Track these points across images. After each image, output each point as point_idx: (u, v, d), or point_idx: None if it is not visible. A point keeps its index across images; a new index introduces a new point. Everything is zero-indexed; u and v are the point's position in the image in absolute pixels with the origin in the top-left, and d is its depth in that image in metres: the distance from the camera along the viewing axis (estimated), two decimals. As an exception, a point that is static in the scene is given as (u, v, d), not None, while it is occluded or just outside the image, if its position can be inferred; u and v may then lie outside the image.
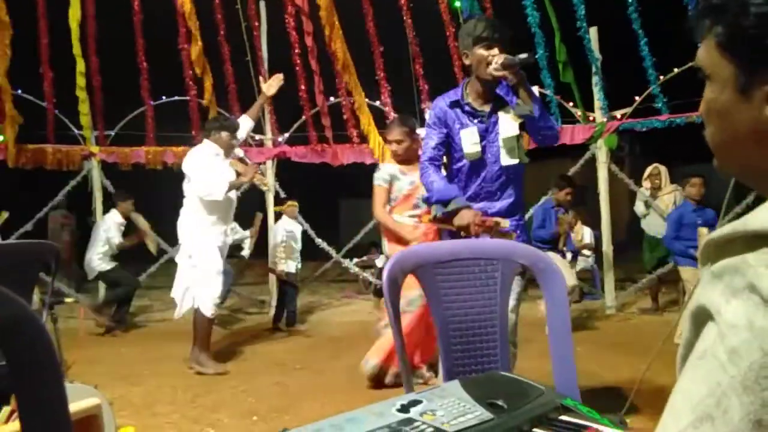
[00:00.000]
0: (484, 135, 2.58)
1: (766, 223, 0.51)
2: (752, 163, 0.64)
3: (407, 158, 3.77)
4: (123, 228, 6.00)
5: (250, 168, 4.36)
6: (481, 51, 2.50)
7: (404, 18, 6.68)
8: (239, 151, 4.50)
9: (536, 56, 6.00)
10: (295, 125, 7.13)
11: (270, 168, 6.99)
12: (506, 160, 2.57)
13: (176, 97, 7.04)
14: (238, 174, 4.22)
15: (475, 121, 2.59)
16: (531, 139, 2.75)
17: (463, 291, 1.90)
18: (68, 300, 5.42)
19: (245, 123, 4.59)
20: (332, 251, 7.46)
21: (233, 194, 4.29)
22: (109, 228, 5.88)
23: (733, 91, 0.64)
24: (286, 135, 7.16)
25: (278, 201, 6.46)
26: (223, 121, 4.55)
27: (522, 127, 2.56)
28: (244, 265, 7.74)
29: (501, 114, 2.58)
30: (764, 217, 0.52)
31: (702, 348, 0.51)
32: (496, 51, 2.46)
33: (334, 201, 18.67)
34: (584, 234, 7.13)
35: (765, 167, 0.60)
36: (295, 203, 6.17)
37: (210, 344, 4.24)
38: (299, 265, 6.04)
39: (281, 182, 7.06)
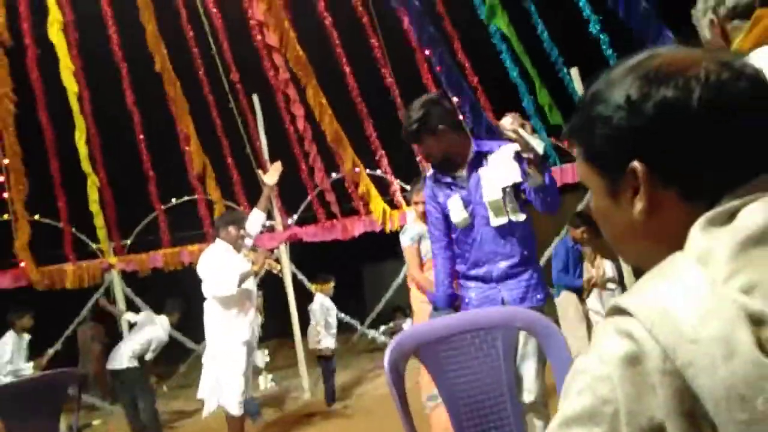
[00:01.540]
0: (468, 200, 2.56)
1: (620, 301, 0.58)
2: (642, 252, 0.70)
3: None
4: (24, 343, 5.88)
5: (260, 254, 4.44)
6: None
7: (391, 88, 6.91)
8: (249, 242, 4.60)
9: (522, 103, 6.15)
10: (302, 206, 7.28)
11: (284, 251, 7.09)
12: (495, 221, 2.53)
13: (185, 198, 7.26)
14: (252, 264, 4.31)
15: (456, 188, 2.60)
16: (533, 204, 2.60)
17: (466, 365, 1.90)
18: (95, 423, 5.38)
19: (256, 217, 4.67)
20: (356, 323, 7.45)
21: (250, 285, 4.35)
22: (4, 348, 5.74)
23: (606, 197, 0.70)
24: (295, 216, 7.31)
25: (315, 279, 6.67)
26: (228, 216, 4.68)
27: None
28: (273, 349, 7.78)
29: (482, 173, 2.55)
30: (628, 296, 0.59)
31: None
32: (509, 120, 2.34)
33: (357, 269, 18.62)
34: (606, 268, 7.03)
35: (653, 255, 0.63)
36: (332, 281, 6.36)
37: None
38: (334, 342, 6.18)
39: (298, 263, 7.15)
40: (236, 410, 4.10)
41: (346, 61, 6.77)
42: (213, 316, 4.25)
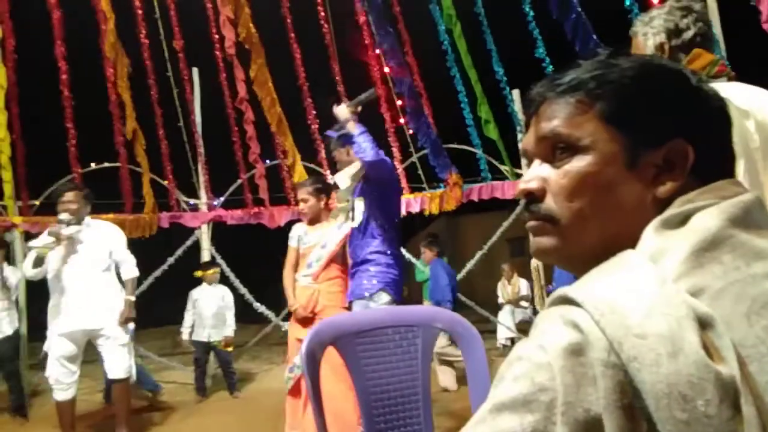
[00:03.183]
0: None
1: (569, 291, 0.56)
2: (607, 238, 0.65)
3: (314, 217, 3.78)
4: None
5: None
6: None
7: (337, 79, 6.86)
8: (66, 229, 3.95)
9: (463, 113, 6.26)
10: (231, 188, 7.08)
11: (206, 233, 6.87)
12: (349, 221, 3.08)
13: (106, 164, 6.88)
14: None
15: None
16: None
17: (384, 360, 1.89)
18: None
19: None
20: (272, 315, 7.30)
21: (50, 270, 3.91)
22: None
23: (621, 164, 0.65)
24: (222, 199, 7.10)
25: (202, 266, 6.26)
26: None
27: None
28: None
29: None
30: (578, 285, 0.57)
31: None
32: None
33: (279, 261, 18.34)
34: (521, 286, 7.28)
35: (614, 244, 0.62)
36: (217, 269, 6.05)
37: None
38: (221, 334, 5.77)
39: (221, 248, 6.94)
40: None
41: (296, 47, 6.64)
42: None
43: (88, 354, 4.20)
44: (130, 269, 4.13)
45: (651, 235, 0.60)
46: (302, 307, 3.62)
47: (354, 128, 2.86)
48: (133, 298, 4.09)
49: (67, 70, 6.23)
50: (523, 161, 6.46)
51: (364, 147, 2.84)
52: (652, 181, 0.65)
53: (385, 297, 2.88)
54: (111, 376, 4.02)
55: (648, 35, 1.74)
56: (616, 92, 0.66)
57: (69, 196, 3.92)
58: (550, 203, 0.69)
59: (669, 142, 0.64)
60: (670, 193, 0.64)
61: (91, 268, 3.94)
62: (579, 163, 0.66)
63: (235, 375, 5.85)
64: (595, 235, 0.66)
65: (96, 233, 4.04)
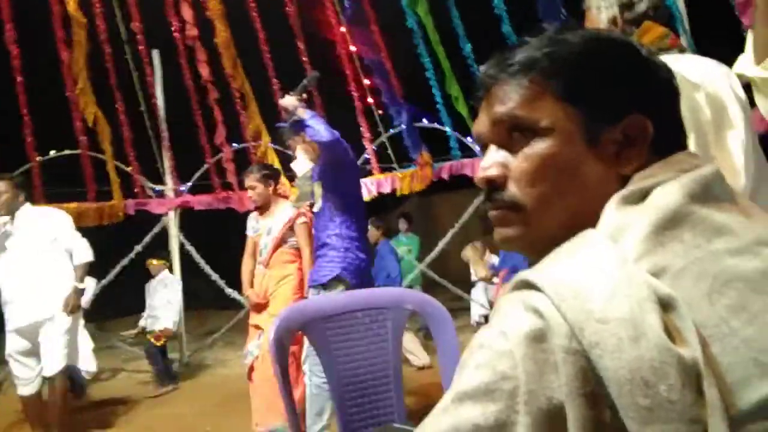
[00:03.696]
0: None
1: (529, 275, 0.56)
2: (578, 217, 0.62)
3: (263, 204, 3.76)
4: None
5: None
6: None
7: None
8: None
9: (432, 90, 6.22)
10: (198, 173, 6.94)
11: (173, 219, 6.73)
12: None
13: (67, 151, 6.66)
14: None
15: None
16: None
17: (354, 344, 1.87)
18: None
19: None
20: (245, 300, 7.21)
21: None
22: None
23: (582, 143, 0.64)
24: (189, 184, 6.95)
25: (151, 255, 6.06)
26: None
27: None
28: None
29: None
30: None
31: None
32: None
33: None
34: (493, 263, 7.32)
35: (590, 217, 0.60)
36: (161, 261, 5.92)
37: None
38: (157, 325, 5.59)
39: (187, 233, 6.82)
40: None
41: (260, 26, 6.47)
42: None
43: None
44: (81, 254, 3.85)
45: (612, 211, 0.59)
46: (254, 294, 3.67)
47: (304, 113, 2.84)
48: (81, 285, 3.84)
49: (19, 54, 5.97)
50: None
51: (318, 129, 2.83)
52: (614, 158, 0.63)
53: (340, 285, 2.84)
54: (47, 372, 3.71)
55: (601, 8, 1.76)
56: (569, 69, 0.64)
57: None
58: (513, 190, 0.66)
59: (627, 117, 0.63)
60: (633, 169, 0.63)
61: (32, 258, 3.72)
62: (539, 145, 0.64)
63: (161, 369, 5.49)
64: (561, 218, 0.64)
65: (34, 221, 3.79)
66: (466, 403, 0.52)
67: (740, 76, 1.56)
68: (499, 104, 0.67)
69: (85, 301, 5.27)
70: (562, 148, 0.63)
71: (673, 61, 1.51)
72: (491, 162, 0.68)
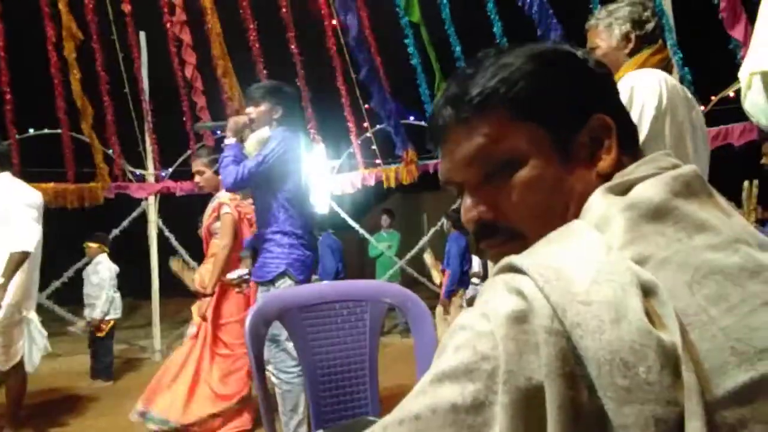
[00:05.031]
0: None
1: (513, 260, 0.56)
2: (570, 218, 0.63)
3: (210, 190, 3.65)
4: None
5: None
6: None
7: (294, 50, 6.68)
8: None
9: (419, 89, 6.21)
10: (180, 159, 6.85)
11: (153, 204, 6.64)
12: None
13: (46, 130, 6.53)
14: None
15: None
16: None
17: (331, 335, 1.85)
18: None
19: None
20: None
21: None
22: None
23: (557, 157, 0.65)
24: (170, 170, 6.87)
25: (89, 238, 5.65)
26: None
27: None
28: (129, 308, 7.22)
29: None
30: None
31: None
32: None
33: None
34: (473, 262, 7.35)
35: (563, 218, 0.63)
36: (97, 243, 5.51)
37: None
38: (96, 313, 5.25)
39: (165, 219, 6.73)
40: None
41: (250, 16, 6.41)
42: None
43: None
44: (17, 241, 3.26)
45: (598, 201, 0.60)
46: (197, 284, 3.63)
47: (229, 149, 2.77)
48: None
49: (2, 29, 5.84)
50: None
51: (224, 174, 2.77)
52: (590, 160, 0.65)
53: (287, 281, 2.74)
54: None
55: (613, 25, 1.87)
56: (525, 90, 0.65)
57: None
58: (508, 223, 0.67)
59: (588, 119, 0.65)
60: (610, 166, 0.65)
61: None
62: (521, 174, 0.65)
63: (101, 362, 5.27)
64: (556, 225, 0.65)
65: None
66: (445, 383, 0.52)
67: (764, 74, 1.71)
68: (466, 143, 0.67)
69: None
70: (543, 170, 0.65)
71: (636, 75, 1.77)
72: (475, 203, 0.69)
